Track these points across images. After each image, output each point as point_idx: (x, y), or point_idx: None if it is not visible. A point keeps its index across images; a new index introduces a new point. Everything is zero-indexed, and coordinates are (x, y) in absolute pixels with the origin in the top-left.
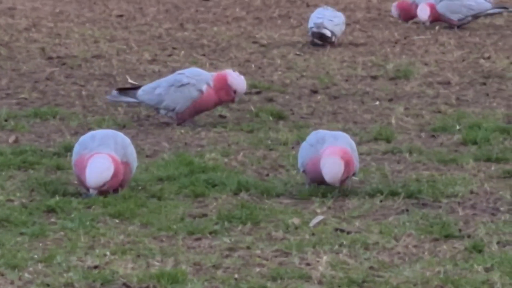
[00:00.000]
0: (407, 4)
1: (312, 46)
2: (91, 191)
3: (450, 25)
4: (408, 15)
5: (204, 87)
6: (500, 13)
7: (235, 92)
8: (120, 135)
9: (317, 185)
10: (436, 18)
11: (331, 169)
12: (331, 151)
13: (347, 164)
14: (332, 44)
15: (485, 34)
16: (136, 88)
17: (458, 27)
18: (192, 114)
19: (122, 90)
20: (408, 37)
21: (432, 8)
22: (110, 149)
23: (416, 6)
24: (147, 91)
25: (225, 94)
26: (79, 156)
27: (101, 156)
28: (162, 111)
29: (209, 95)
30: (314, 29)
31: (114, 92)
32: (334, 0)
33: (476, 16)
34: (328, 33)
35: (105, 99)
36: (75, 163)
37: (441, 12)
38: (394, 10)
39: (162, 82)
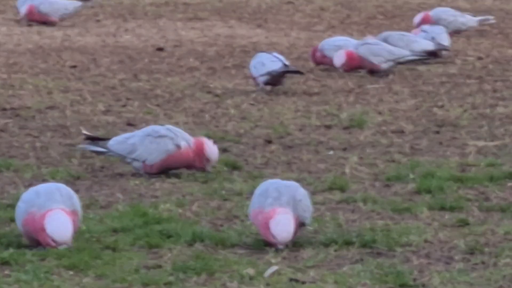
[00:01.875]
0: (315, 49)
1: (265, 94)
2: (62, 247)
3: (372, 71)
4: (313, 58)
5: (182, 144)
6: (420, 60)
7: (208, 160)
8: (62, 186)
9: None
10: (355, 66)
11: (284, 227)
12: (280, 211)
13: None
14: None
15: (439, 83)
16: (105, 139)
17: (381, 74)
18: (161, 168)
19: (91, 139)
20: (362, 86)
21: (350, 55)
22: (58, 202)
23: (321, 53)
24: (119, 141)
25: (199, 161)
26: (27, 215)
27: (56, 212)
28: (129, 160)
29: (186, 154)
30: (283, 69)
31: (84, 142)
32: (289, 50)
33: (397, 62)
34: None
35: (78, 148)
36: (23, 223)
37: (363, 55)
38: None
39: (137, 133)
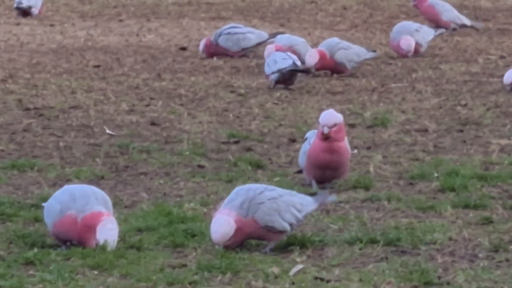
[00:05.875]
0: (209, 41)
1: (289, 93)
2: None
3: (338, 72)
4: (209, 52)
5: (312, 140)
6: (373, 57)
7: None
8: (97, 191)
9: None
10: (326, 67)
11: (219, 227)
12: (220, 211)
13: (239, 230)
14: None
15: (462, 81)
16: None
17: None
18: (312, 172)
19: None
20: (385, 85)
21: (323, 55)
22: (100, 206)
23: (216, 45)
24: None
25: (320, 134)
26: (64, 216)
27: (111, 219)
28: None
29: (314, 146)
30: (291, 67)
31: None
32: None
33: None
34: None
35: None
36: (57, 223)
37: (339, 61)
38: (201, 45)
39: None
